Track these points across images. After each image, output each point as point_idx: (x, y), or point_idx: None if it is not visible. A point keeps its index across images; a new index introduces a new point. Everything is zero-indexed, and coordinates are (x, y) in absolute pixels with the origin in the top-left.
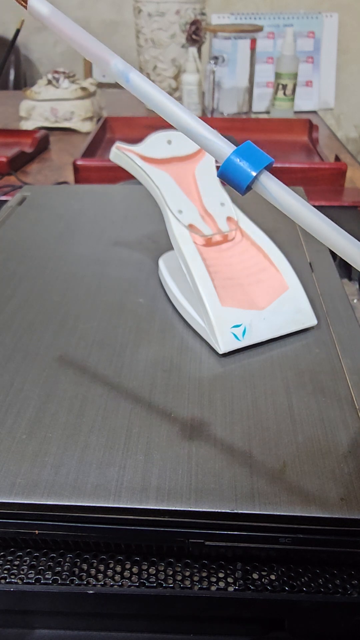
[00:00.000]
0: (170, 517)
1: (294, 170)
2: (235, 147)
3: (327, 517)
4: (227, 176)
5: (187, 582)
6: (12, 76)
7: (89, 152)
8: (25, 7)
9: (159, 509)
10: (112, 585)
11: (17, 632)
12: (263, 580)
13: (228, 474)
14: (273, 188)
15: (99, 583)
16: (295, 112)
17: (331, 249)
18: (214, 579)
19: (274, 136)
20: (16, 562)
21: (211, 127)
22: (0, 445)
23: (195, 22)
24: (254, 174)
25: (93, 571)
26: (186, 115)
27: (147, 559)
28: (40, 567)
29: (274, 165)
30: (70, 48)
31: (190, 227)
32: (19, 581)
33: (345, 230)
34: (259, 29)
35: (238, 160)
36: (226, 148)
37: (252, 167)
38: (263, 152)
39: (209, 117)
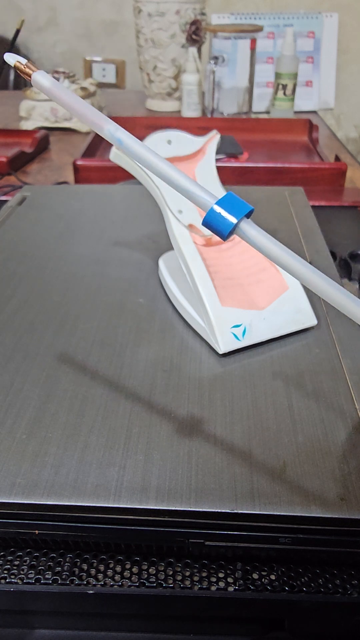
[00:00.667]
0: (170, 517)
1: (294, 170)
2: (217, 198)
3: (327, 517)
4: (210, 225)
5: (187, 582)
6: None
7: (89, 152)
8: (30, 80)
9: (159, 509)
10: (112, 585)
11: (17, 632)
12: (263, 580)
13: (228, 474)
14: (252, 234)
15: (99, 583)
16: (295, 112)
17: (313, 291)
18: (214, 579)
19: (274, 136)
20: (16, 562)
21: (211, 127)
22: (0, 445)
23: (195, 22)
24: (234, 221)
25: (93, 571)
26: (174, 171)
27: (147, 559)
28: (40, 567)
29: (274, 166)
30: (70, 48)
31: (190, 227)
32: (19, 581)
33: (345, 230)
34: (259, 29)
35: (220, 210)
36: (209, 200)
37: (233, 216)
38: (243, 201)
39: (209, 117)
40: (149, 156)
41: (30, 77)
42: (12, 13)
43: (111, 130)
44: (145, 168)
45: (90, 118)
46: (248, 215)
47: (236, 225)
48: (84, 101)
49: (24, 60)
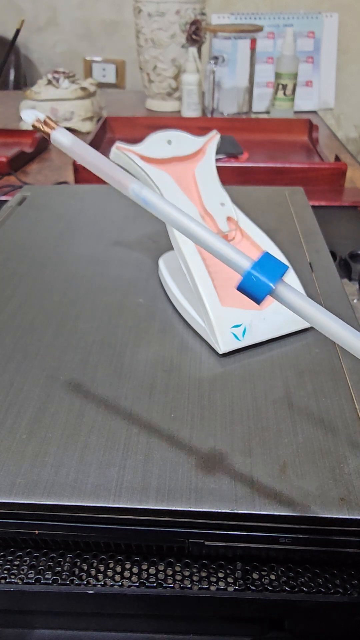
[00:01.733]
0: (170, 517)
1: (294, 170)
2: (253, 261)
3: (327, 517)
4: (245, 290)
5: (187, 582)
6: (12, 76)
7: None
8: (49, 139)
9: (159, 509)
10: (112, 585)
11: (17, 632)
12: (263, 580)
13: (228, 474)
14: (290, 298)
15: (99, 583)
16: (295, 112)
17: (353, 354)
18: (214, 579)
19: (274, 136)
20: (16, 562)
21: (211, 127)
22: (0, 445)
23: (195, 22)
24: (271, 286)
25: (93, 571)
26: (204, 231)
27: (147, 559)
28: (40, 567)
29: (274, 166)
30: (70, 48)
31: None
32: (19, 581)
33: (345, 230)
34: (259, 29)
35: (257, 274)
36: (245, 263)
37: (269, 280)
38: (279, 260)
39: (209, 117)
40: (178, 216)
41: (49, 135)
42: (12, 13)
43: (135, 190)
44: (173, 226)
45: (114, 176)
46: (284, 275)
47: (273, 289)
48: (107, 159)
49: (42, 116)
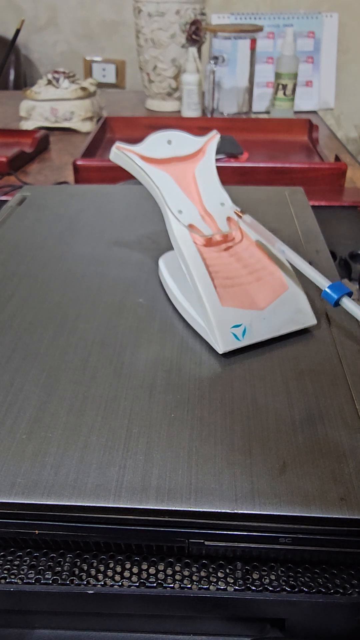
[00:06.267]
0: (170, 517)
1: (294, 170)
2: (330, 282)
3: (327, 517)
4: (325, 297)
5: (187, 582)
6: (12, 76)
7: (89, 152)
8: (241, 218)
9: (159, 509)
10: (112, 585)
11: (17, 632)
12: (263, 580)
13: (228, 474)
14: (351, 307)
15: (99, 583)
16: (295, 112)
17: None
18: (214, 579)
19: (274, 136)
20: (16, 562)
21: (211, 127)
22: (0, 445)
23: (195, 22)
24: (335, 297)
25: (93, 571)
26: (305, 265)
27: (147, 559)
28: (40, 567)
29: (274, 166)
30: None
31: (190, 227)
32: (19, 581)
33: (345, 230)
34: (259, 29)
35: (329, 291)
36: (324, 284)
37: (336, 294)
38: (345, 286)
39: (209, 117)
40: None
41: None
42: (12, 13)
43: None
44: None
45: (306, 270)
46: (349, 295)
47: (338, 299)
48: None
49: (238, 208)
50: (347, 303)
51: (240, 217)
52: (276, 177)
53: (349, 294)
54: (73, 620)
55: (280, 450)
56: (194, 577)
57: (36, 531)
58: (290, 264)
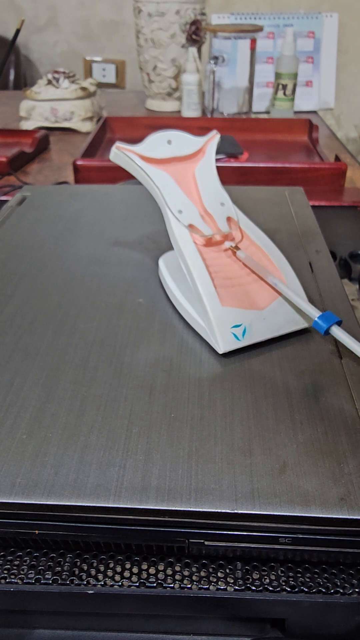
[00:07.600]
0: (170, 517)
1: (294, 170)
2: (320, 313)
3: (327, 517)
4: (316, 327)
5: (187, 582)
6: (12, 76)
7: (89, 152)
8: (235, 255)
9: (159, 509)
10: (112, 585)
11: (17, 632)
12: (263, 580)
13: (228, 474)
14: (340, 335)
15: (99, 583)
16: (295, 112)
17: None
18: (214, 579)
19: (274, 136)
20: (16, 562)
21: (211, 127)
22: (0, 445)
23: (195, 22)
24: (325, 327)
25: (93, 571)
26: (296, 296)
27: (147, 559)
28: (40, 567)
29: (274, 166)
30: (70, 48)
31: (190, 227)
32: (19, 581)
33: (345, 230)
34: (259, 29)
35: (319, 321)
36: (315, 314)
37: (325, 324)
38: (334, 315)
39: (209, 117)
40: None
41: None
42: (12, 13)
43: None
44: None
45: (294, 298)
46: (338, 324)
47: (328, 328)
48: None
49: (233, 244)
50: (337, 332)
51: (234, 253)
52: (276, 177)
53: (339, 323)
54: (73, 620)
55: (280, 450)
56: (194, 577)
57: (36, 531)
58: (290, 264)
